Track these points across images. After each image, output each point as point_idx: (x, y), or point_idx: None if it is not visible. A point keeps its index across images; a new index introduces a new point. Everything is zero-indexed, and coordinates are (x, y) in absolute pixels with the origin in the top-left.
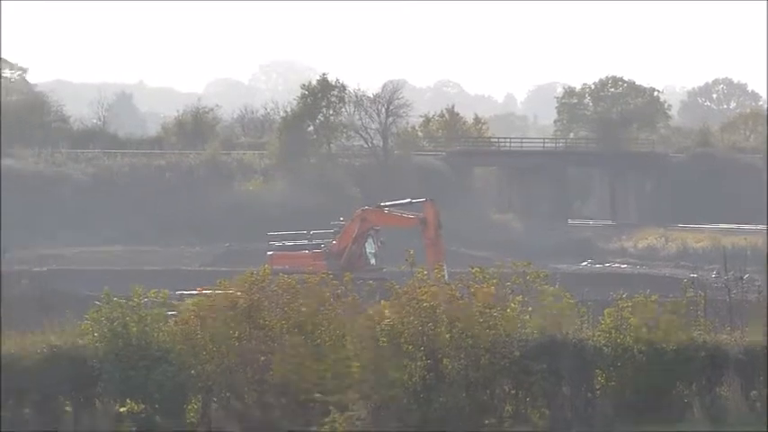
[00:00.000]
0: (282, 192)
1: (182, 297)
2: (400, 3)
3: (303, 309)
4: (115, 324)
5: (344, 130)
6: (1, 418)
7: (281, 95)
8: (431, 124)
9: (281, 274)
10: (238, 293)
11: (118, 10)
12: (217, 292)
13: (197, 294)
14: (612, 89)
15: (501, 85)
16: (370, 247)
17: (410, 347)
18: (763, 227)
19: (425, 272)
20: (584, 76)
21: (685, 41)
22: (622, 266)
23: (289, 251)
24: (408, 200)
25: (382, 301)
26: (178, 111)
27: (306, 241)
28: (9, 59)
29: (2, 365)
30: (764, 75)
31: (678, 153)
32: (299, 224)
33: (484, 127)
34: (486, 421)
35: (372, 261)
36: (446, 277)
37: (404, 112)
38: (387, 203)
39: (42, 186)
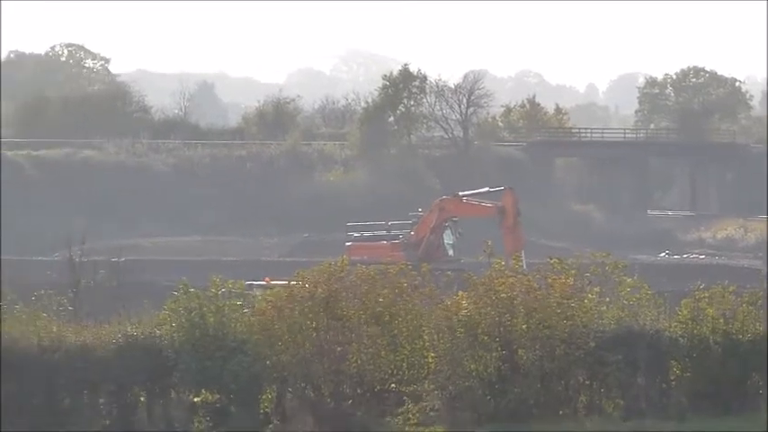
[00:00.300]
0: (362, 182)
1: (251, 287)
2: None
3: (381, 299)
4: (193, 314)
5: (425, 121)
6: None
7: (363, 86)
8: (511, 114)
9: (358, 264)
10: (306, 285)
11: (200, 0)
12: (285, 282)
13: (265, 285)
14: (694, 79)
15: (582, 75)
16: (448, 238)
17: (486, 338)
18: None
19: (503, 261)
20: (665, 66)
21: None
22: (700, 257)
23: (367, 242)
24: (487, 189)
25: (459, 292)
26: (259, 101)
27: (384, 232)
28: (92, 49)
29: (73, 356)
30: None
31: (759, 144)
32: (378, 215)
33: (565, 117)
34: (561, 412)
35: (450, 252)
36: (524, 266)
37: (485, 103)
38: (465, 193)
39: (123, 177)
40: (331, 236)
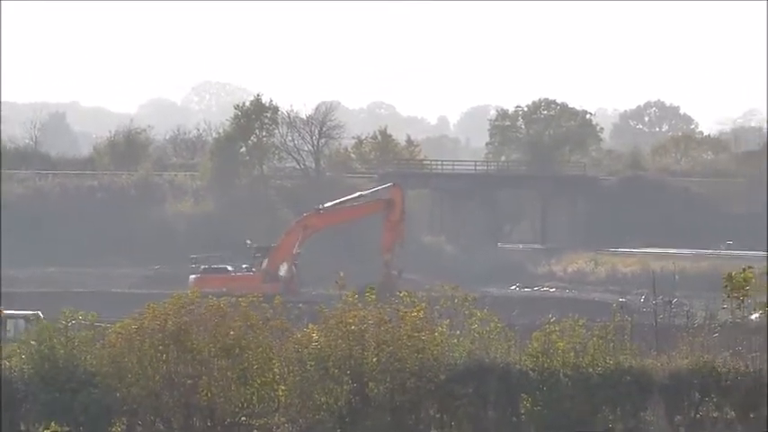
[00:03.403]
0: (214, 213)
1: None
2: (333, 24)
3: (231, 332)
4: (42, 347)
5: (277, 152)
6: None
7: (215, 116)
8: (363, 146)
9: (210, 296)
10: (156, 318)
11: (51, 29)
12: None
13: None
14: (545, 112)
15: (434, 107)
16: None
17: (336, 371)
18: (691, 251)
19: (357, 294)
20: (517, 98)
21: (618, 64)
22: (551, 290)
23: (217, 274)
24: (358, 193)
25: (310, 325)
26: (110, 131)
27: (245, 265)
28: None
29: None
30: (699, 97)
31: (609, 176)
32: (230, 246)
33: (416, 149)
34: None
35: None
36: (398, 265)
37: (337, 134)
38: (327, 204)
39: None
40: (184, 267)
